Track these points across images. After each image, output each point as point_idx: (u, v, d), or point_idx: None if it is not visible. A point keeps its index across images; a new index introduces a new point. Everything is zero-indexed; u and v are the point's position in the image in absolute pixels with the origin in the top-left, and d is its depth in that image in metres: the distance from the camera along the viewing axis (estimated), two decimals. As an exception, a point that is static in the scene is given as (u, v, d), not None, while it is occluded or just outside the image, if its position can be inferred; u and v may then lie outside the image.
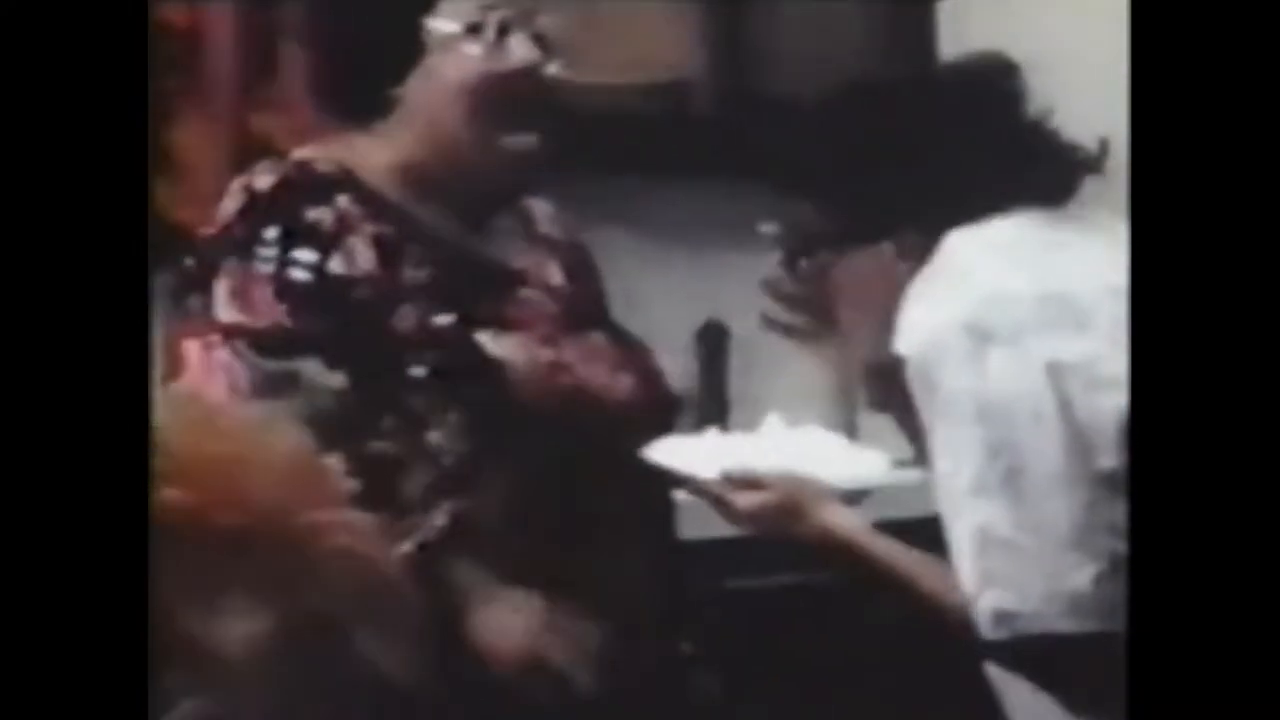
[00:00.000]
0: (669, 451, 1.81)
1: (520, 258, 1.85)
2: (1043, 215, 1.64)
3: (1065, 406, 1.52)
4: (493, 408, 1.71)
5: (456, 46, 1.78)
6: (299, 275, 1.70)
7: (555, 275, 1.89)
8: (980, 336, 1.54)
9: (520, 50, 1.79)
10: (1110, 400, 1.50)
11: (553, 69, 1.81)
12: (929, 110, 1.69)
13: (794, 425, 1.86)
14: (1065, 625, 1.52)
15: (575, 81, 1.88)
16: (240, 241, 1.70)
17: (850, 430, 3.25)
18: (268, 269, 1.69)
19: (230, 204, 1.73)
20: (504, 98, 1.78)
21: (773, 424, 1.86)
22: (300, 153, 1.80)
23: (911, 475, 1.81)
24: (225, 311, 1.68)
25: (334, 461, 1.43)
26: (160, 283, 1.65)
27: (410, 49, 1.78)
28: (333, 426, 1.56)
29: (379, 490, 1.61)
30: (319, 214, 1.71)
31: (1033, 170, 1.66)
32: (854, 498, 1.78)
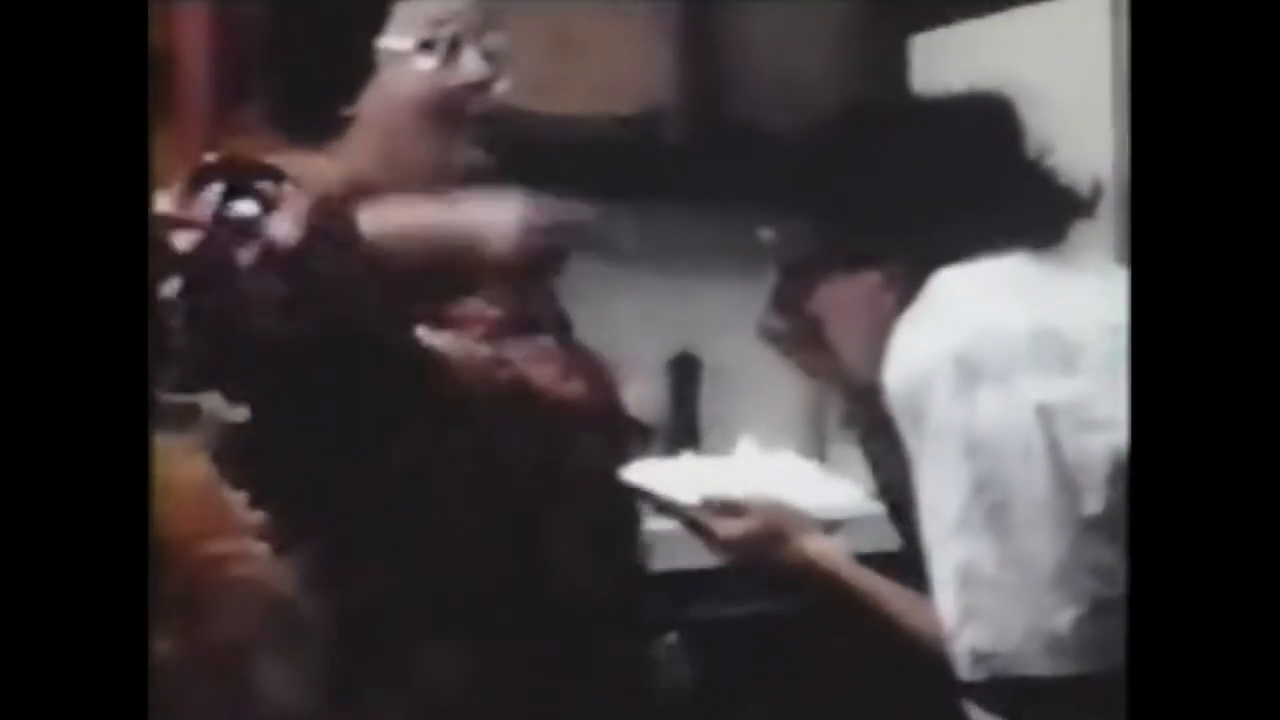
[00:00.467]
0: (645, 474, 1.81)
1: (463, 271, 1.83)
2: (1034, 254, 1.64)
3: (1053, 447, 1.51)
4: (429, 397, 1.70)
5: (408, 63, 1.78)
6: (234, 215, 1.65)
7: (505, 293, 1.87)
8: (971, 372, 1.53)
9: (470, 66, 1.80)
10: (1098, 442, 1.50)
11: (502, 86, 1.82)
12: (926, 141, 1.69)
13: (767, 450, 1.86)
14: (1043, 667, 1.52)
15: (546, 111, 1.88)
16: (185, 191, 1.67)
17: (820, 459, 3.27)
18: (207, 210, 1.65)
19: (176, 187, 1.71)
20: (456, 113, 1.78)
21: (746, 449, 1.86)
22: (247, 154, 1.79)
23: (878, 508, 1.81)
24: (163, 230, 1.63)
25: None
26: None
27: (362, 68, 1.78)
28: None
29: None
30: (263, 185, 1.69)
31: (1025, 210, 1.65)
32: (832, 527, 1.78)
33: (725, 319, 3.40)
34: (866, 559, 1.75)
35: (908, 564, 1.65)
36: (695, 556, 1.89)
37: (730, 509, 1.75)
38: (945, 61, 3.30)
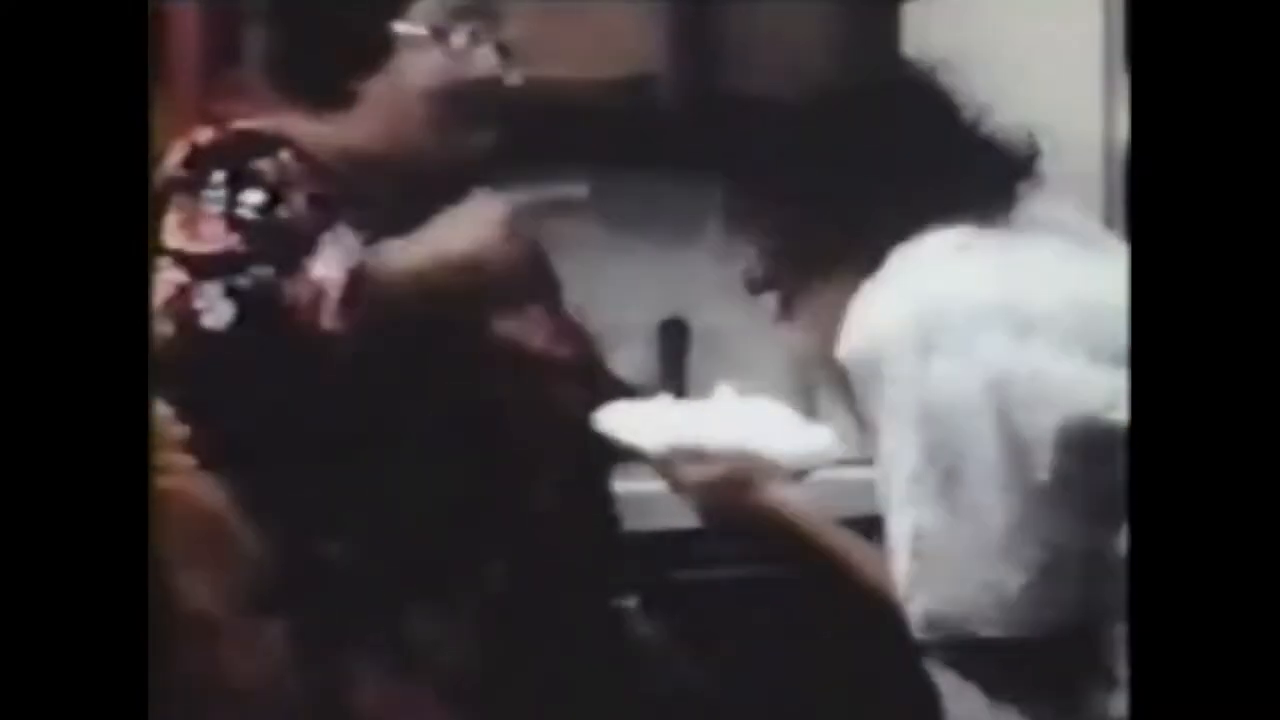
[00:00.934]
0: (618, 419, 1.81)
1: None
2: (986, 223, 1.65)
3: (1004, 416, 1.53)
4: (419, 364, 1.72)
5: (423, 50, 1.79)
6: (248, 214, 1.69)
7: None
8: (925, 342, 1.55)
9: (484, 61, 1.81)
10: (1049, 413, 1.52)
11: (513, 79, 1.83)
12: (865, 120, 1.70)
13: (744, 396, 1.86)
14: (995, 629, 1.54)
15: (539, 77, 1.89)
16: (187, 182, 1.70)
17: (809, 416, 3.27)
18: (217, 208, 1.68)
19: (174, 156, 1.73)
20: (463, 103, 1.79)
21: (724, 395, 1.86)
22: (240, 123, 1.80)
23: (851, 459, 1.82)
24: (174, 239, 1.66)
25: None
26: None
27: (376, 47, 1.79)
28: None
29: None
30: (262, 164, 1.71)
31: (969, 177, 1.66)
32: (800, 475, 1.78)
33: (715, 284, 3.41)
34: (849, 522, 1.76)
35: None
36: (672, 518, 1.90)
37: (696, 455, 1.75)
38: (937, 28, 3.30)
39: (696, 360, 3.40)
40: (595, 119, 2.96)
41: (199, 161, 1.71)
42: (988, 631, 1.54)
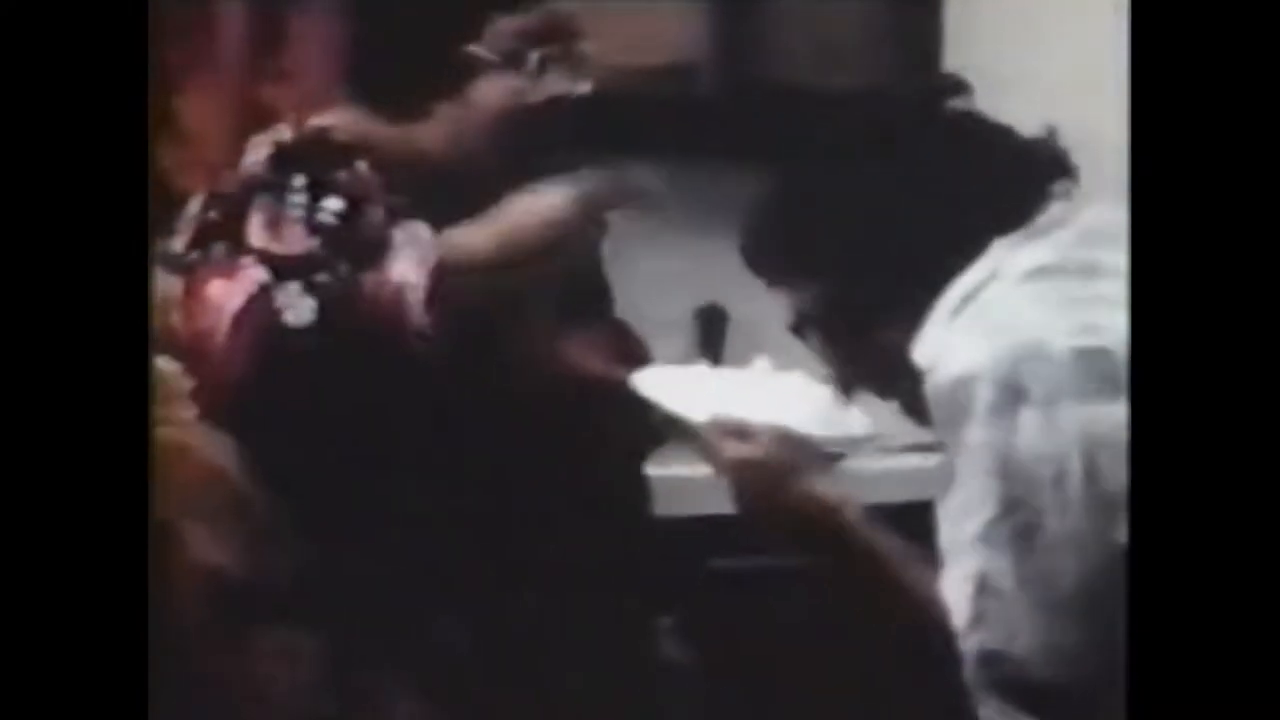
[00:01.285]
0: (657, 385, 1.79)
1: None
2: (1044, 232, 1.61)
3: (1093, 474, 1.50)
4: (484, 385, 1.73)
5: (495, 74, 1.80)
6: (329, 220, 1.70)
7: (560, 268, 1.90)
8: (1014, 393, 1.51)
9: (555, 85, 1.82)
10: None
11: (583, 89, 1.84)
12: (898, 149, 1.67)
13: (782, 369, 1.83)
14: (1051, 675, 1.52)
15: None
16: (270, 184, 1.72)
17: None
18: (298, 212, 1.70)
19: (256, 154, 1.75)
20: (534, 124, 1.81)
21: (761, 365, 1.84)
22: (318, 120, 1.82)
23: (905, 461, 1.80)
24: (258, 239, 1.68)
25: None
26: (165, 245, 1.66)
27: (452, 70, 1.80)
28: None
29: None
30: (341, 174, 1.73)
31: (1007, 187, 1.64)
32: (837, 458, 1.75)
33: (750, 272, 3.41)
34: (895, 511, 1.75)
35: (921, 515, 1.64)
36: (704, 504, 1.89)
37: (737, 431, 1.71)
38: (978, 20, 3.30)
39: (734, 348, 3.41)
40: (636, 106, 2.96)
41: (281, 163, 1.73)
42: (1044, 675, 1.52)
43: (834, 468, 1.76)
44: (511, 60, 1.81)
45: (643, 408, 1.77)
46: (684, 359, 3.30)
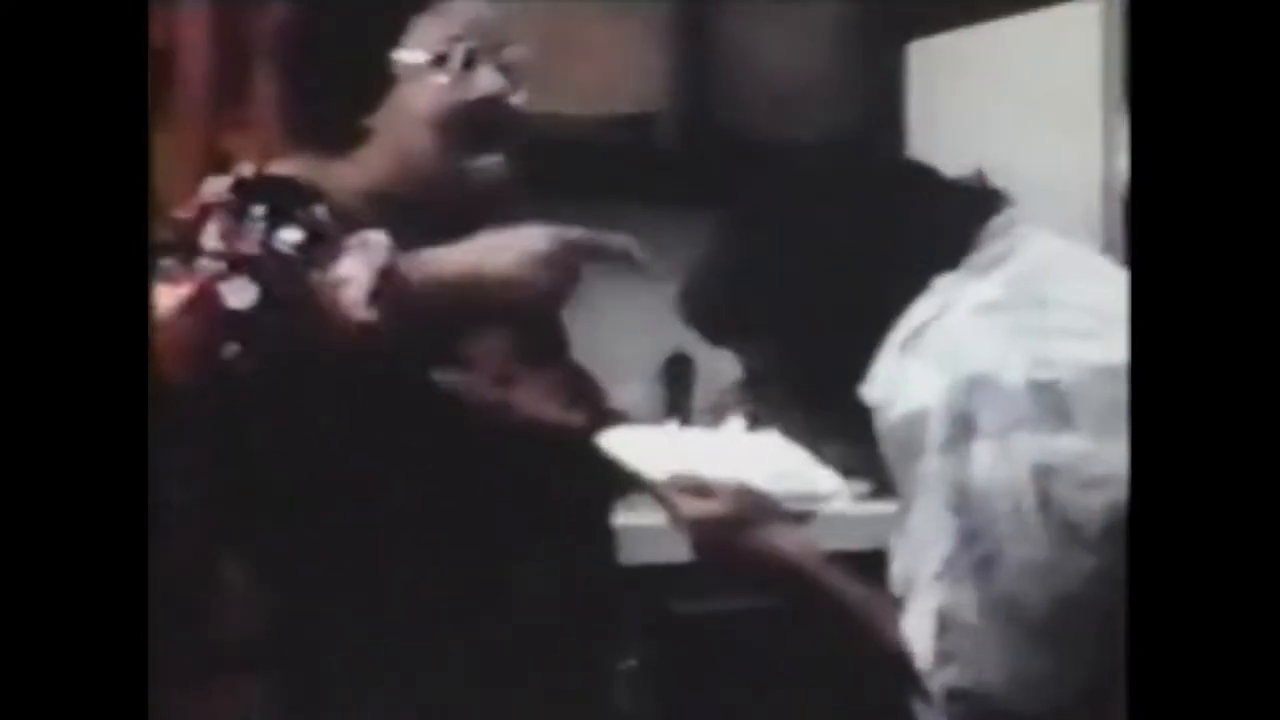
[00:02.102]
0: (623, 442, 1.80)
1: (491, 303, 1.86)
2: (989, 268, 1.62)
3: (1048, 504, 1.50)
4: (433, 438, 1.73)
5: (423, 77, 1.80)
6: (285, 248, 1.68)
7: (515, 319, 1.89)
8: (966, 426, 1.52)
9: (486, 80, 1.81)
10: (1096, 499, 1.49)
11: (517, 99, 1.83)
12: (851, 199, 1.68)
13: (756, 429, 1.83)
14: (1020, 706, 1.52)
15: (542, 111, 1.89)
16: (229, 206, 1.69)
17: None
18: (256, 235, 1.67)
19: (215, 184, 1.73)
20: (470, 126, 1.80)
21: (734, 425, 1.83)
22: (276, 168, 1.81)
23: (871, 508, 1.80)
24: (211, 242, 1.66)
25: None
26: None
27: (379, 80, 1.79)
28: None
29: None
30: (299, 212, 1.72)
31: (946, 223, 1.65)
32: (803, 517, 1.75)
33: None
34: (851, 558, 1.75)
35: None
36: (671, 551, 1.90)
37: (697, 488, 1.72)
38: (940, 68, 3.32)
39: (701, 396, 3.41)
40: (598, 154, 2.98)
41: (242, 192, 1.72)
42: (1013, 707, 1.52)
43: (803, 525, 1.75)
44: (437, 61, 1.80)
45: (604, 464, 1.78)
46: (649, 408, 3.32)
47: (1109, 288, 1.59)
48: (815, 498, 1.78)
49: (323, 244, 1.65)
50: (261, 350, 1.59)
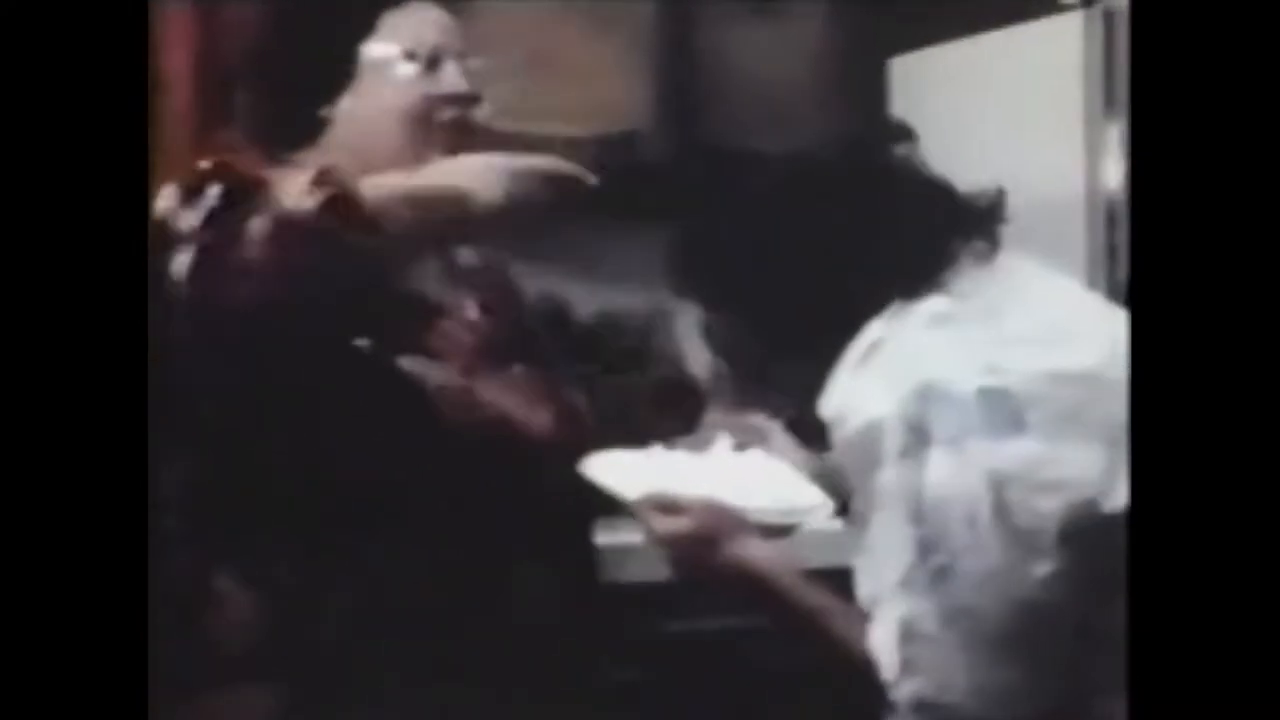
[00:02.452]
0: (604, 467, 1.81)
1: (439, 292, 1.87)
2: (967, 286, 1.64)
3: (1003, 511, 1.51)
4: (407, 433, 1.73)
5: (390, 70, 1.81)
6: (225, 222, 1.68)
7: (471, 310, 1.90)
8: (919, 435, 1.53)
9: (451, 79, 1.82)
10: (1050, 504, 1.51)
11: (483, 111, 1.84)
12: (833, 190, 1.69)
13: (742, 450, 1.85)
14: (984, 714, 1.53)
15: (524, 131, 1.91)
16: (189, 188, 1.70)
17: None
18: (211, 204, 1.67)
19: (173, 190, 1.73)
20: (433, 123, 1.81)
21: (721, 447, 1.85)
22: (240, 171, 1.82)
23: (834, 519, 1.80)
24: (165, 201, 1.66)
25: None
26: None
27: (344, 73, 1.80)
28: None
29: None
30: (246, 207, 1.72)
31: (940, 237, 1.66)
32: (775, 531, 1.77)
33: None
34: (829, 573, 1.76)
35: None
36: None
37: (669, 506, 1.74)
38: (924, 83, 3.33)
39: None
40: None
41: (198, 182, 1.72)
42: (978, 716, 1.53)
43: (780, 538, 1.77)
44: (405, 56, 1.81)
45: (586, 486, 1.79)
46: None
47: (1064, 299, 1.62)
48: (796, 513, 1.79)
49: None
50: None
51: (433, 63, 1.82)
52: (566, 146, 2.97)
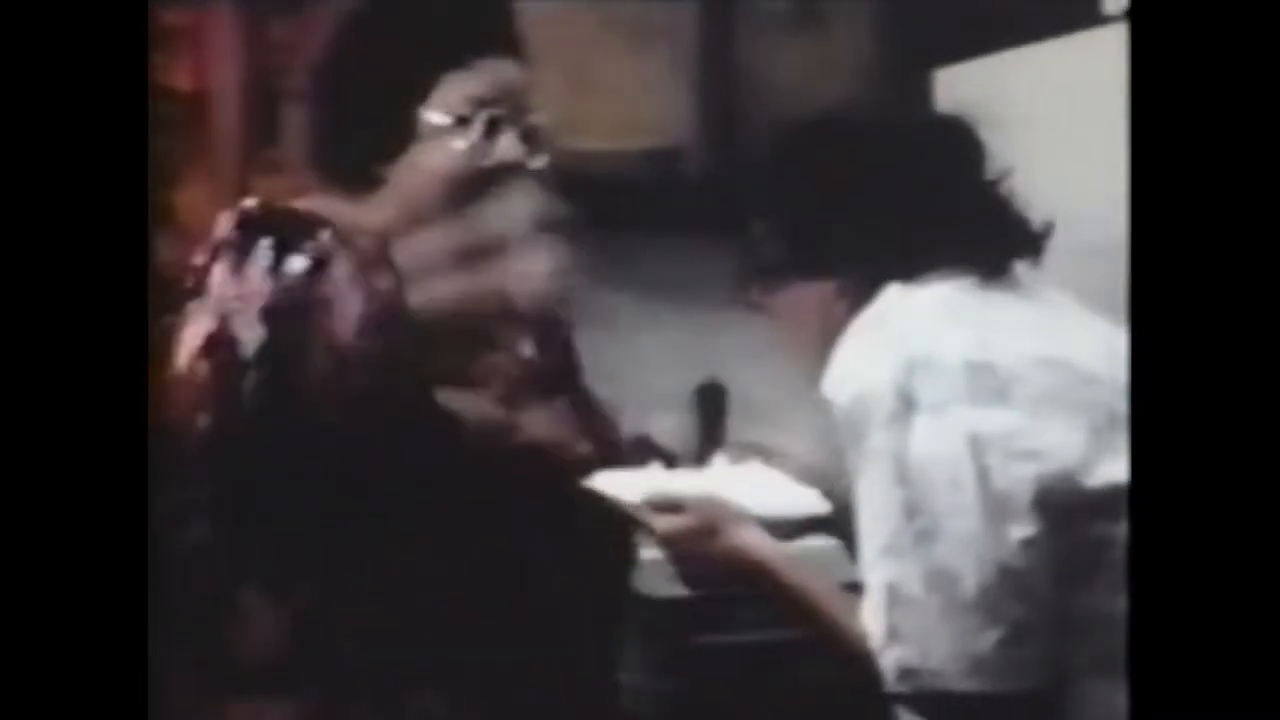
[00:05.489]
0: (609, 482, 1.84)
1: (493, 329, 1.89)
2: (979, 281, 1.68)
3: (983, 475, 1.56)
4: (442, 460, 1.75)
5: (443, 139, 1.81)
6: (294, 272, 1.73)
7: (527, 347, 1.91)
8: (907, 401, 1.58)
9: (506, 149, 1.82)
10: (1027, 470, 1.55)
11: (537, 164, 1.85)
12: (889, 159, 1.73)
13: (738, 463, 1.89)
14: (966, 685, 1.56)
15: (571, 148, 1.92)
16: (236, 243, 1.75)
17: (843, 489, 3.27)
18: (264, 263, 1.72)
19: (223, 224, 1.77)
20: (484, 190, 1.82)
21: (720, 462, 1.90)
22: (283, 201, 1.85)
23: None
24: (221, 287, 1.72)
25: None
26: (158, 327, 1.70)
27: (401, 134, 1.82)
28: None
29: None
30: (306, 241, 1.76)
31: (976, 237, 1.70)
32: (774, 525, 1.80)
33: (749, 348, 3.44)
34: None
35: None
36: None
37: (669, 505, 1.78)
38: (967, 96, 3.33)
39: (735, 424, 3.43)
40: (625, 189, 3.00)
41: (247, 226, 1.76)
42: (960, 686, 1.56)
43: (785, 538, 1.80)
44: (459, 123, 1.82)
45: (599, 500, 1.82)
46: (681, 436, 3.34)
47: (1069, 311, 1.66)
48: (796, 511, 1.83)
49: (327, 269, 1.70)
50: (269, 388, 1.64)
51: (489, 129, 1.82)
52: (609, 160, 3.02)
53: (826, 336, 1.69)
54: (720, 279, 3.38)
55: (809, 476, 1.93)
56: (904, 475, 1.57)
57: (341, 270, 1.75)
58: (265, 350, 1.68)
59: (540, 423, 1.83)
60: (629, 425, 2.46)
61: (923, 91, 3.34)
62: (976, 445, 1.56)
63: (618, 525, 1.89)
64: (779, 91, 3.17)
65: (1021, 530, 1.55)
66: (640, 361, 3.20)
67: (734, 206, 3.12)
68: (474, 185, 1.82)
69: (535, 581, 1.81)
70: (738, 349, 3.46)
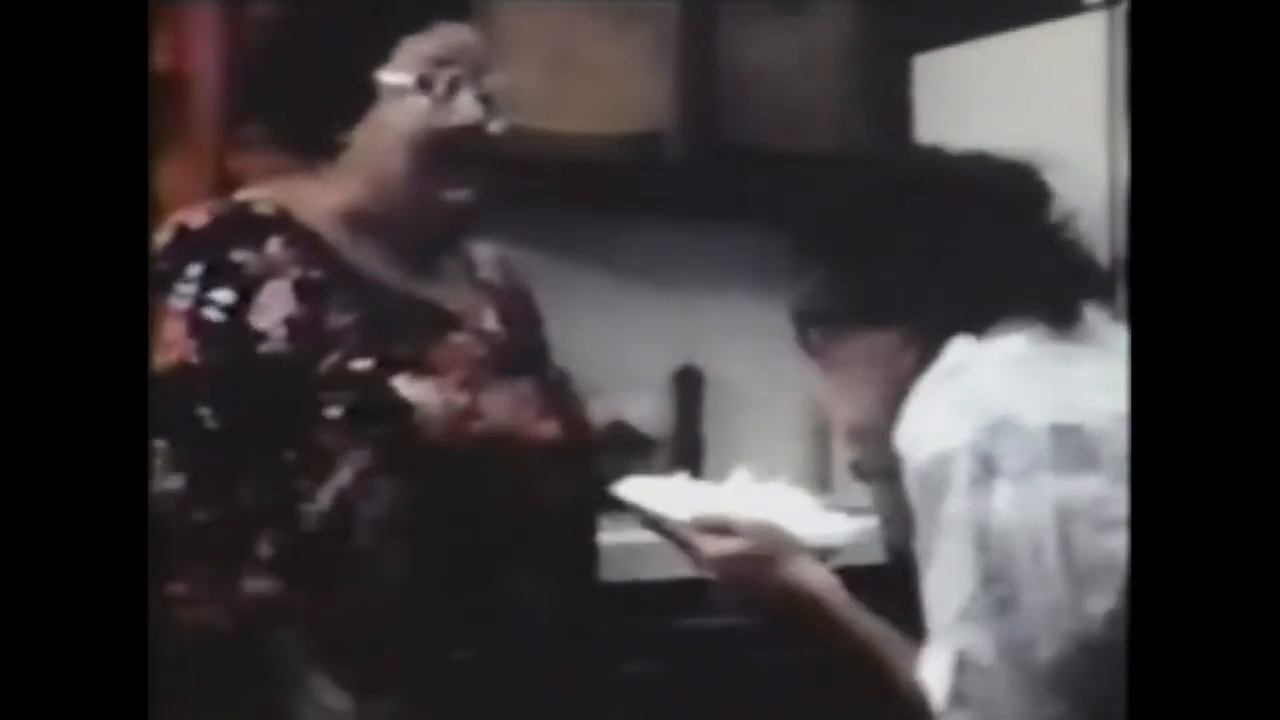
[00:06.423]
0: (639, 490, 1.82)
1: (457, 301, 1.88)
2: (1051, 330, 1.62)
3: (1066, 545, 1.51)
4: (401, 449, 1.74)
5: (405, 99, 1.82)
6: (212, 315, 1.73)
7: (490, 320, 1.91)
8: (989, 466, 1.53)
9: (466, 108, 1.82)
10: (1112, 542, 1.49)
11: (495, 127, 1.85)
12: (955, 201, 1.67)
13: (762, 479, 1.86)
14: None
15: (548, 129, 1.91)
16: (163, 276, 1.74)
17: (823, 484, 3.27)
18: (184, 304, 1.73)
19: (161, 238, 1.77)
20: (446, 152, 1.82)
21: (741, 477, 1.86)
22: (242, 194, 1.84)
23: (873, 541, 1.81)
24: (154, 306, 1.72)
25: None
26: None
27: (361, 97, 1.82)
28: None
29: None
30: (245, 256, 1.76)
31: (1049, 283, 1.64)
32: (824, 554, 1.76)
33: (726, 333, 3.44)
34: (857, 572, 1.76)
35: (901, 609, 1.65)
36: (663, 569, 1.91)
37: (720, 527, 1.74)
38: (945, 83, 3.33)
39: (710, 409, 3.43)
40: (605, 172, 3.00)
41: (182, 246, 1.76)
42: None
43: (821, 561, 1.77)
44: (420, 84, 1.82)
45: (589, 480, 1.80)
46: (657, 420, 3.34)
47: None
48: (833, 536, 1.79)
49: (255, 297, 1.73)
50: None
51: (449, 89, 1.82)
52: (589, 144, 3.01)
53: (892, 388, 1.63)
54: (698, 264, 3.41)
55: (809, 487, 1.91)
56: (984, 541, 1.52)
57: (272, 290, 1.75)
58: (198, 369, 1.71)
59: (502, 404, 1.81)
60: (604, 409, 2.46)
61: (902, 79, 3.34)
62: (1061, 514, 1.50)
63: (579, 514, 1.88)
64: (760, 76, 3.16)
65: (1105, 603, 1.50)
66: (617, 346, 3.20)
67: (712, 192, 3.14)
68: (434, 149, 1.81)
69: (507, 567, 1.80)
70: (715, 334, 3.48)
